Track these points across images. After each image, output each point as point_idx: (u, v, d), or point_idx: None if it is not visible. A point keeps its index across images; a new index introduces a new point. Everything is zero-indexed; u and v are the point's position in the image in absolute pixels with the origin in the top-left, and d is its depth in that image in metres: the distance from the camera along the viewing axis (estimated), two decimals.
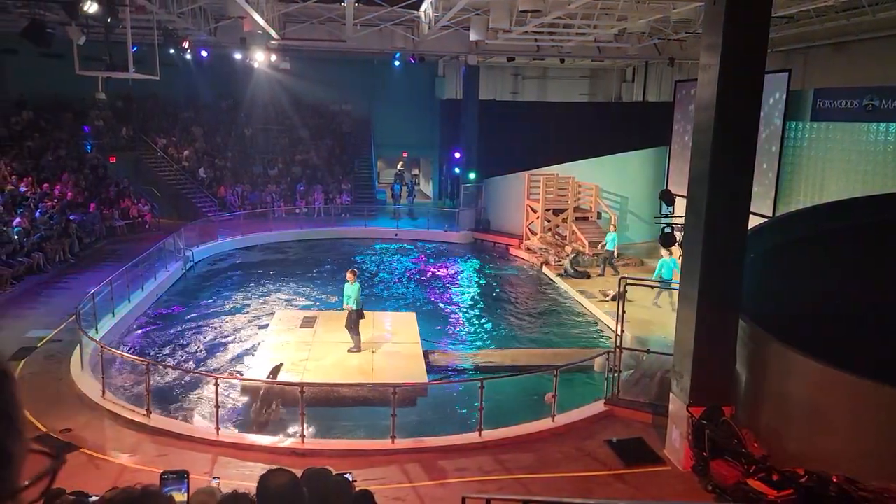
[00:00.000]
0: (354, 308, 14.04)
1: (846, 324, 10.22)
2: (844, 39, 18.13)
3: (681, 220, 13.13)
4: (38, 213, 21.31)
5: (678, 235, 16.74)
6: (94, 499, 3.36)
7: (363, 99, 34.46)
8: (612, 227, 22.29)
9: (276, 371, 13.14)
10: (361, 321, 14.35)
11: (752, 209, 10.36)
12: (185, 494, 3.39)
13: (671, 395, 10.37)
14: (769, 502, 7.97)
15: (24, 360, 13.42)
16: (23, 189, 22.74)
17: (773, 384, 9.76)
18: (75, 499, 3.47)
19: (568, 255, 22.28)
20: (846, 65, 18.47)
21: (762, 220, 15.83)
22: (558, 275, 21.63)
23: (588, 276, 21.12)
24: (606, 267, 21.37)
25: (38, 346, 14.25)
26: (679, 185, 20.37)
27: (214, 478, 4.82)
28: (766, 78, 9.92)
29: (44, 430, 10.64)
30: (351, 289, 13.99)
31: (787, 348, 9.24)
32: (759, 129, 10.03)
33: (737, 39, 9.02)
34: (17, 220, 20.03)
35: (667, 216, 18.46)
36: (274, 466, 3.05)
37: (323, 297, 19.48)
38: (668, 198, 18.41)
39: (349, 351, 14.25)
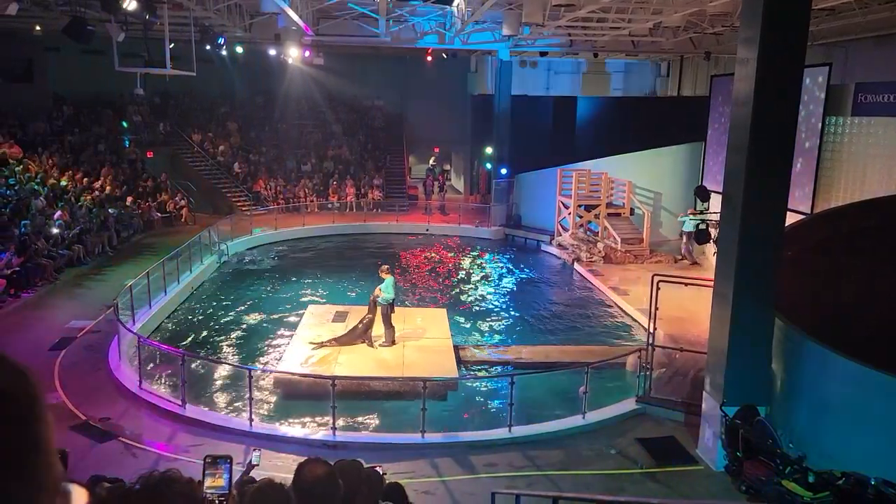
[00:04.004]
0: (386, 303, 14.10)
1: (885, 323, 9.99)
2: (888, 32, 17.65)
3: (716, 217, 12.97)
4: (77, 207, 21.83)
5: (713, 232, 16.54)
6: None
7: (395, 94, 34.57)
8: (689, 211, 22.02)
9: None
10: (392, 315, 14.40)
11: (789, 206, 10.16)
12: (226, 480, 3.42)
13: (704, 393, 10.24)
14: None
15: (64, 350, 13.80)
16: (64, 183, 23.31)
17: (809, 384, 9.58)
18: (111, 486, 3.56)
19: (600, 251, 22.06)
20: (889, 58, 17.96)
21: (799, 217, 15.50)
22: (678, 259, 21.80)
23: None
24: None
25: (79, 336, 14.64)
26: (714, 181, 20.05)
27: (255, 450, 4.87)
28: (805, 72, 9.70)
29: (83, 418, 10.94)
30: (385, 284, 14.05)
31: (824, 347, 9.07)
32: (797, 124, 9.83)
33: (775, 33, 8.84)
34: (59, 213, 20.53)
35: (702, 212, 18.25)
36: (304, 458, 3.07)
37: (354, 292, 19.59)
38: (703, 194, 18.21)
39: (381, 345, 14.33)
